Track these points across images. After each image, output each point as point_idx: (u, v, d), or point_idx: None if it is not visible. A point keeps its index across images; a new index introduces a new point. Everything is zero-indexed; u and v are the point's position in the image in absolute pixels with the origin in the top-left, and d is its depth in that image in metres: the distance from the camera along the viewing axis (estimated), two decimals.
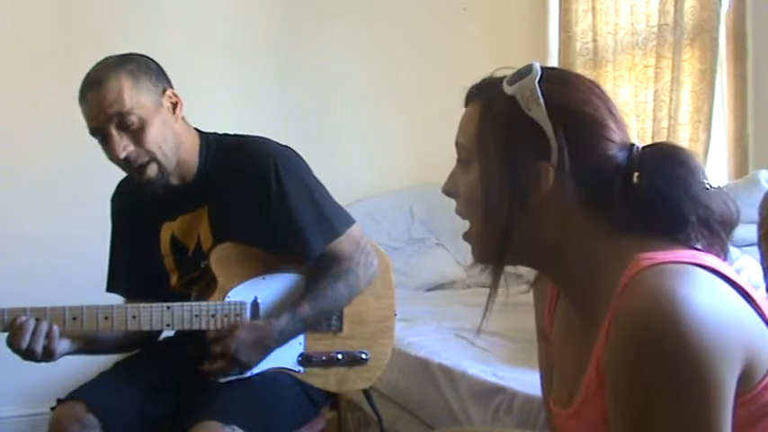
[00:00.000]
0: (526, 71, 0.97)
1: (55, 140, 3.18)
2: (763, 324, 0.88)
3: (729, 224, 0.96)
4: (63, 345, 1.65)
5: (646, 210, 0.94)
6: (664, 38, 3.13)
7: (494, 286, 1.01)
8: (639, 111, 3.27)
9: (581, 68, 3.54)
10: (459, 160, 1.03)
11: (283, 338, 1.70)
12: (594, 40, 3.52)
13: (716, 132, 3.01)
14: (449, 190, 1.04)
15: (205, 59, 3.47)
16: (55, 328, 1.60)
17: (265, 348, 1.69)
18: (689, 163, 0.96)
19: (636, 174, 0.95)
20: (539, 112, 0.95)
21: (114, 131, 1.63)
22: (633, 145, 0.97)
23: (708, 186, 0.96)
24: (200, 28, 3.48)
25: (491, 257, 1.00)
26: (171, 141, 1.69)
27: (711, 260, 0.90)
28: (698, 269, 0.87)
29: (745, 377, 0.84)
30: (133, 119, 1.63)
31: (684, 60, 3.03)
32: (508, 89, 0.97)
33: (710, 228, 0.94)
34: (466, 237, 1.04)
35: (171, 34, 3.39)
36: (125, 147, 1.64)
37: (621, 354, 0.85)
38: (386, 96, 3.78)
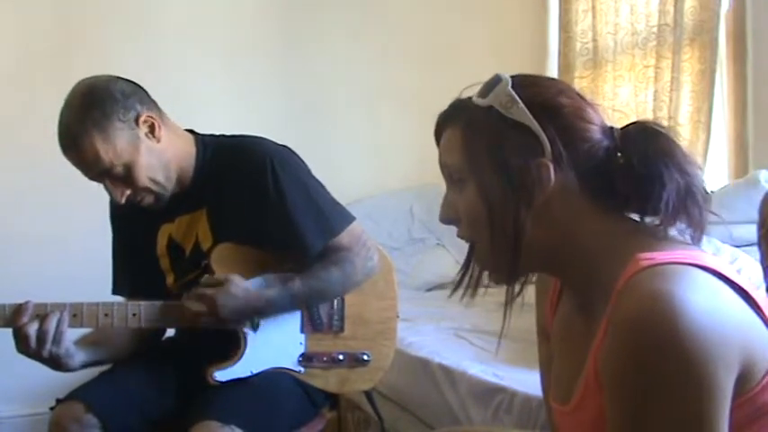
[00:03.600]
0: (495, 81, 0.99)
1: (54, 141, 3.18)
2: (762, 325, 0.87)
3: (708, 196, 0.97)
4: (78, 356, 1.66)
5: (634, 185, 0.95)
6: (664, 38, 3.13)
7: (510, 299, 1.01)
8: (639, 111, 3.27)
9: (581, 68, 3.54)
10: (450, 183, 1.03)
11: (270, 308, 1.69)
12: (594, 40, 3.52)
13: (716, 132, 3.02)
14: (448, 217, 1.03)
15: (204, 60, 3.46)
16: (62, 330, 1.60)
17: (248, 313, 1.67)
18: (668, 135, 0.97)
19: (619, 154, 0.97)
20: (521, 113, 0.96)
21: (108, 183, 1.67)
22: (612, 128, 0.99)
23: (689, 156, 0.97)
24: (200, 28, 3.48)
25: (507, 272, 1.00)
26: (159, 165, 1.69)
27: (711, 260, 0.90)
28: (696, 270, 0.87)
29: (743, 378, 0.84)
30: (118, 169, 1.65)
31: (684, 60, 3.03)
32: (482, 101, 0.98)
33: (694, 197, 0.95)
34: (477, 260, 1.03)
35: (170, 34, 3.39)
36: (123, 192, 1.68)
37: (618, 355, 0.85)
38: (386, 96, 3.78)
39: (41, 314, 1.60)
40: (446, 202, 1.03)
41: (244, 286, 1.66)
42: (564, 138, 0.95)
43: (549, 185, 0.95)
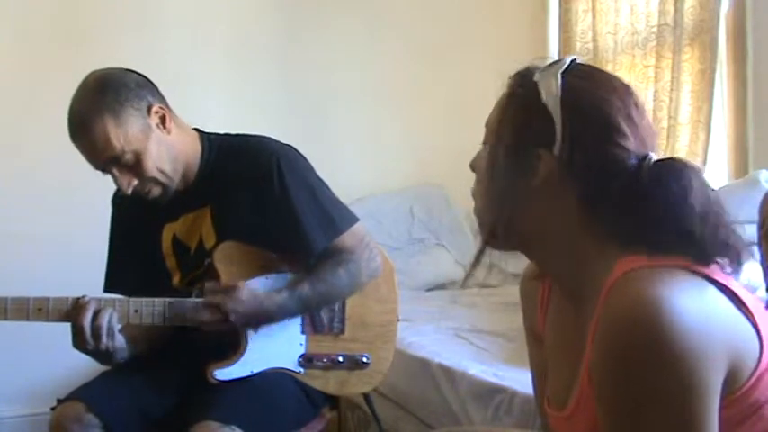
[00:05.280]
0: (557, 62, 1.00)
1: (55, 142, 3.17)
2: (749, 325, 0.87)
3: (742, 240, 0.95)
4: (124, 351, 1.67)
5: (654, 221, 0.91)
6: (664, 38, 3.13)
7: (477, 260, 1.04)
8: None
9: None
10: (484, 138, 1.06)
11: (282, 313, 1.69)
12: (594, 40, 3.51)
13: (716, 132, 3.01)
14: (472, 164, 1.07)
15: (206, 59, 3.46)
16: (113, 324, 1.61)
17: (260, 319, 1.68)
18: (701, 176, 0.94)
19: (645, 181, 0.93)
20: (553, 102, 0.96)
21: (115, 171, 1.66)
22: (647, 156, 0.95)
23: (718, 199, 0.94)
24: (201, 28, 3.48)
25: (486, 232, 1.02)
26: (168, 157, 1.69)
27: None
28: (681, 271, 0.87)
29: (732, 378, 0.84)
30: (128, 157, 1.64)
31: (684, 60, 3.03)
32: (536, 76, 0.99)
33: (728, 236, 0.93)
34: (474, 211, 1.06)
35: (171, 34, 3.39)
36: (129, 182, 1.67)
37: (606, 358, 0.85)
38: (386, 96, 3.77)
39: (96, 310, 1.61)
40: (478, 153, 1.06)
41: (252, 292, 1.67)
42: (578, 143, 0.95)
43: (541, 177, 0.96)
